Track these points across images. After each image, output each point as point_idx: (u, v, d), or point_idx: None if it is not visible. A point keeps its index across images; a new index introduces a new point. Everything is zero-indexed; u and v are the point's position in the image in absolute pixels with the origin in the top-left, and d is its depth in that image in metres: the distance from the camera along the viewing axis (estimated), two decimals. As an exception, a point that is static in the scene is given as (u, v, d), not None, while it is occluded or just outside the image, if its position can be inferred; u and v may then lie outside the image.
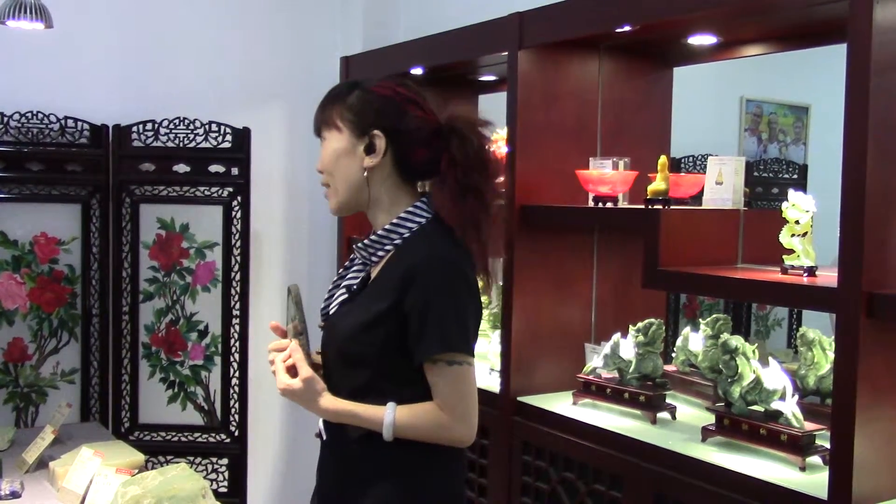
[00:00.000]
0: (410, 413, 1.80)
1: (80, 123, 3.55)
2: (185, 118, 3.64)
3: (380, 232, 1.88)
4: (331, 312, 1.92)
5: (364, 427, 1.81)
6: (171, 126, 3.64)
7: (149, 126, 3.62)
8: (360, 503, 1.85)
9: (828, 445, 1.98)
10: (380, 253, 1.88)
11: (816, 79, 3.01)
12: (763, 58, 2.80)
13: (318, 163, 1.93)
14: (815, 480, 2.03)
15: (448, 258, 1.81)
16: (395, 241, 1.86)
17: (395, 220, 1.87)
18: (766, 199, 3.07)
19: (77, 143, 3.56)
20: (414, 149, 1.86)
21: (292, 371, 1.84)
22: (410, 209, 1.88)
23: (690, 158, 3.22)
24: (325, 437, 1.93)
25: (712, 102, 3.28)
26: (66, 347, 3.58)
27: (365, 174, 1.87)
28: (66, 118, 3.53)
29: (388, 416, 1.78)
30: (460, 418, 1.81)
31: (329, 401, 1.82)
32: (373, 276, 1.89)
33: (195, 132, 3.65)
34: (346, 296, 1.90)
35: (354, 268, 1.96)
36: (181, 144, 3.65)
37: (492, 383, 2.92)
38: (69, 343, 3.58)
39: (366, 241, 1.90)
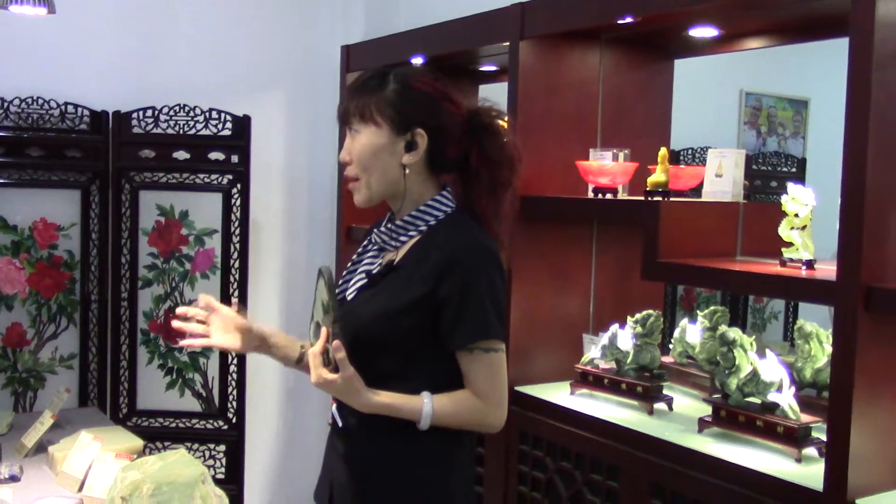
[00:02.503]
0: (448, 401, 1.81)
1: (80, 109, 3.55)
2: (185, 105, 3.64)
3: (406, 218, 1.87)
4: (347, 298, 1.91)
5: (400, 418, 1.80)
6: (172, 113, 3.64)
7: (149, 113, 3.62)
8: (381, 491, 1.85)
9: (824, 437, 1.99)
10: (402, 238, 1.88)
11: (816, 72, 3.02)
12: (763, 51, 2.80)
13: (344, 153, 1.89)
14: (811, 472, 2.04)
15: (484, 245, 1.82)
16: (421, 228, 1.87)
17: (421, 208, 1.87)
18: (764, 192, 3.07)
19: (77, 129, 3.56)
20: (448, 145, 1.86)
21: (324, 358, 1.78)
22: (437, 198, 1.88)
23: (689, 151, 3.22)
24: (340, 425, 1.92)
25: (712, 95, 3.28)
26: (65, 333, 3.59)
27: (406, 171, 1.86)
28: (66, 104, 3.53)
29: (427, 406, 1.78)
30: (496, 404, 1.83)
31: (368, 395, 1.77)
32: (396, 261, 1.87)
33: (195, 119, 3.65)
34: (364, 281, 1.89)
35: (370, 254, 1.95)
36: (181, 131, 3.65)
37: (489, 373, 2.93)
38: (68, 329, 3.59)
39: (390, 227, 1.90)
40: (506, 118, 1.95)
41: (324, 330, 1.76)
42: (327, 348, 1.75)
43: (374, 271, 1.90)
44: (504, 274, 1.86)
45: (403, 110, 1.83)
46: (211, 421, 3.75)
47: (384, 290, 1.85)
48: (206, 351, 3.75)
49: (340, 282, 1.97)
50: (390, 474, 1.85)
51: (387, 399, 1.79)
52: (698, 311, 2.86)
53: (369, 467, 1.87)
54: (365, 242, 1.99)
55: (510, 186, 1.91)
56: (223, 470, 3.74)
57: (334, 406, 1.93)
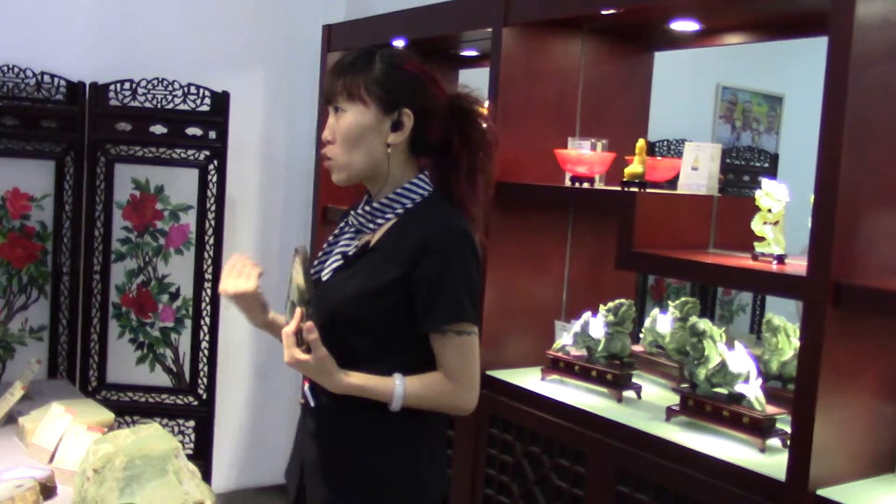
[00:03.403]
0: (419, 383, 1.82)
1: (56, 79, 3.52)
2: (163, 79, 3.62)
3: (382, 200, 1.88)
4: (323, 279, 1.93)
5: (371, 398, 1.81)
6: (150, 86, 3.62)
7: (127, 85, 3.60)
8: (352, 470, 1.86)
9: (788, 429, 2.03)
10: (379, 221, 1.89)
11: (791, 69, 3.05)
12: (740, 46, 2.83)
13: (327, 132, 1.89)
14: (775, 462, 2.08)
15: (460, 229, 1.84)
16: (397, 211, 1.88)
17: (399, 190, 1.88)
18: (737, 186, 3.11)
19: (53, 99, 3.53)
20: (432, 127, 1.88)
21: (298, 338, 1.77)
22: (415, 180, 1.89)
23: (665, 143, 3.26)
24: (312, 405, 1.93)
25: (688, 88, 3.31)
26: (35, 304, 3.57)
27: (389, 150, 1.87)
28: (42, 74, 3.49)
29: (399, 387, 1.79)
30: (467, 387, 1.85)
31: (340, 377, 1.78)
32: (372, 243, 1.88)
33: (174, 94, 3.63)
34: (340, 263, 1.90)
35: (346, 235, 1.96)
36: (159, 105, 3.63)
37: (461, 356, 2.95)
38: (38, 300, 3.57)
39: (366, 209, 1.91)
40: (485, 104, 1.97)
41: (298, 310, 1.77)
42: (301, 328, 1.75)
43: (350, 253, 1.91)
44: (479, 258, 1.87)
45: (391, 90, 1.84)
46: (181, 396, 3.75)
47: (360, 272, 1.86)
48: (178, 326, 3.74)
49: (316, 263, 1.97)
50: (361, 454, 1.87)
51: (359, 380, 1.80)
52: (669, 302, 2.90)
53: (341, 447, 1.89)
54: (341, 224, 2.00)
55: (485, 171, 1.93)
56: (192, 446, 3.74)
57: (307, 385, 1.94)
